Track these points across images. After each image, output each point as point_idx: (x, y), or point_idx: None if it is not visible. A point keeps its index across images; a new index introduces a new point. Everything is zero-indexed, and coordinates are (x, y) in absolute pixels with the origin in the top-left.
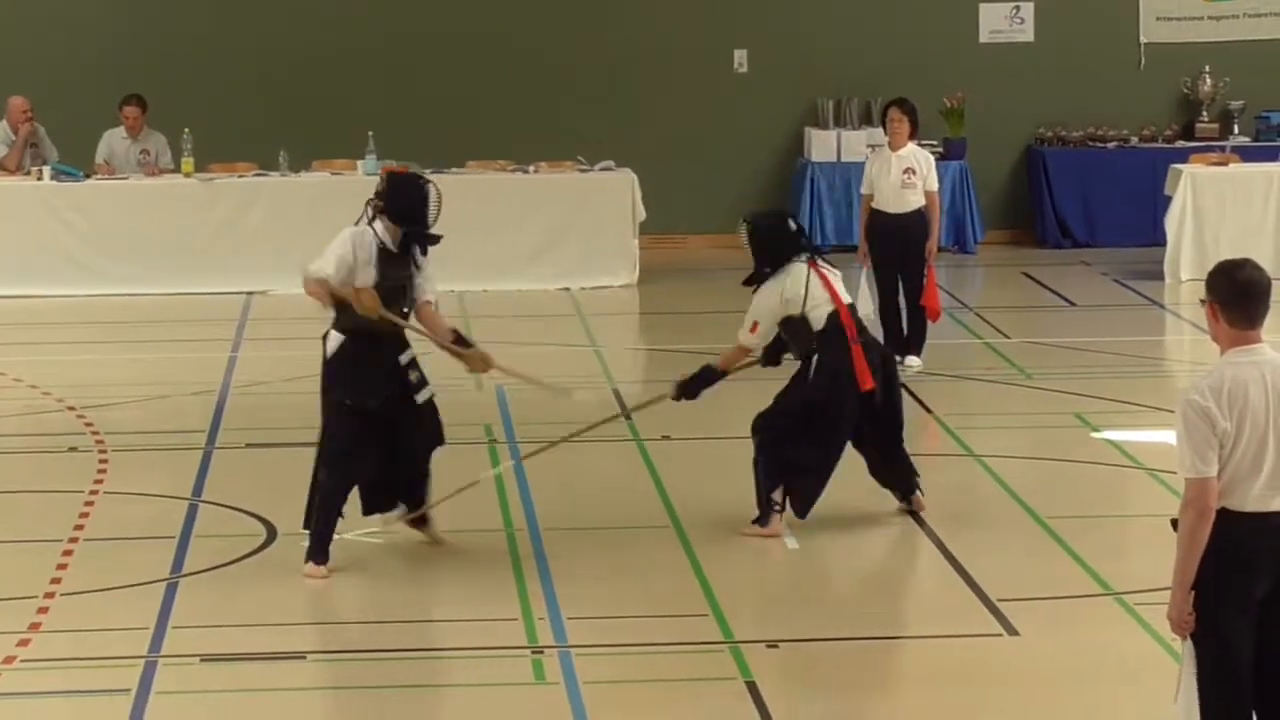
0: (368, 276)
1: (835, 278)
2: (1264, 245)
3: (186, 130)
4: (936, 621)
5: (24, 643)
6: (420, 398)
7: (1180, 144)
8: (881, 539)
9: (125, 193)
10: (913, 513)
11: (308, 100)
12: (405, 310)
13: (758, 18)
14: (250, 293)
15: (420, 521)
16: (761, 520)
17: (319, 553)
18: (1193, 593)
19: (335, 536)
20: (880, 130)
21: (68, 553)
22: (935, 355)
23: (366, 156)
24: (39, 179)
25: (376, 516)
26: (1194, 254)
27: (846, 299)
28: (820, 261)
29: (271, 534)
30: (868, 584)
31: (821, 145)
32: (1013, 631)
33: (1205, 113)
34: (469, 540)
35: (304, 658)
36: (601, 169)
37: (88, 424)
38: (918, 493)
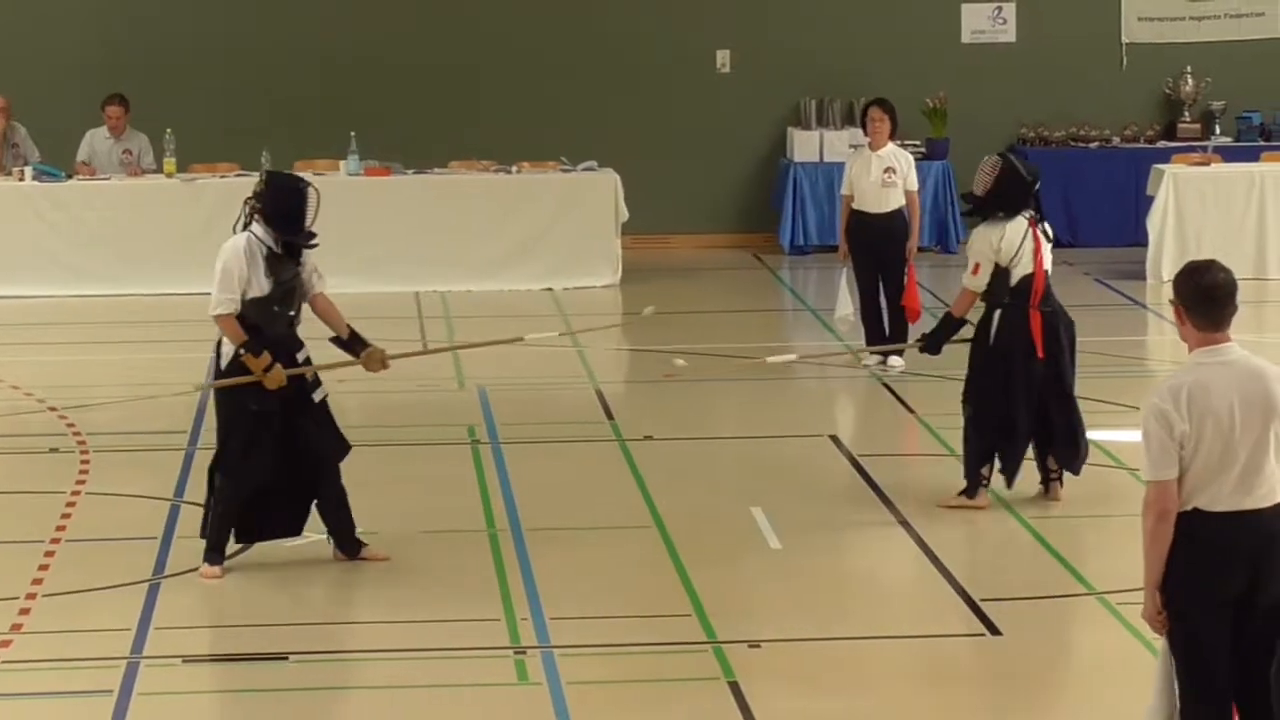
0: (261, 285)
1: (1047, 246)
2: (1245, 245)
3: (169, 131)
4: (919, 621)
5: (5, 644)
6: (316, 396)
7: (1162, 144)
8: (864, 538)
9: (107, 193)
10: (900, 518)
11: (290, 101)
12: (293, 315)
13: (740, 18)
14: None
15: (353, 547)
16: (969, 491)
17: (216, 555)
18: (1165, 592)
19: (320, 537)
20: (862, 130)
21: (49, 554)
22: (916, 356)
23: (349, 157)
24: (20, 179)
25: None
26: (1176, 254)
27: (1048, 267)
28: (1041, 225)
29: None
30: (850, 584)
31: (804, 145)
32: (995, 631)
33: (1187, 113)
34: (451, 540)
35: (286, 659)
36: (584, 169)
37: (69, 425)
38: (1055, 484)
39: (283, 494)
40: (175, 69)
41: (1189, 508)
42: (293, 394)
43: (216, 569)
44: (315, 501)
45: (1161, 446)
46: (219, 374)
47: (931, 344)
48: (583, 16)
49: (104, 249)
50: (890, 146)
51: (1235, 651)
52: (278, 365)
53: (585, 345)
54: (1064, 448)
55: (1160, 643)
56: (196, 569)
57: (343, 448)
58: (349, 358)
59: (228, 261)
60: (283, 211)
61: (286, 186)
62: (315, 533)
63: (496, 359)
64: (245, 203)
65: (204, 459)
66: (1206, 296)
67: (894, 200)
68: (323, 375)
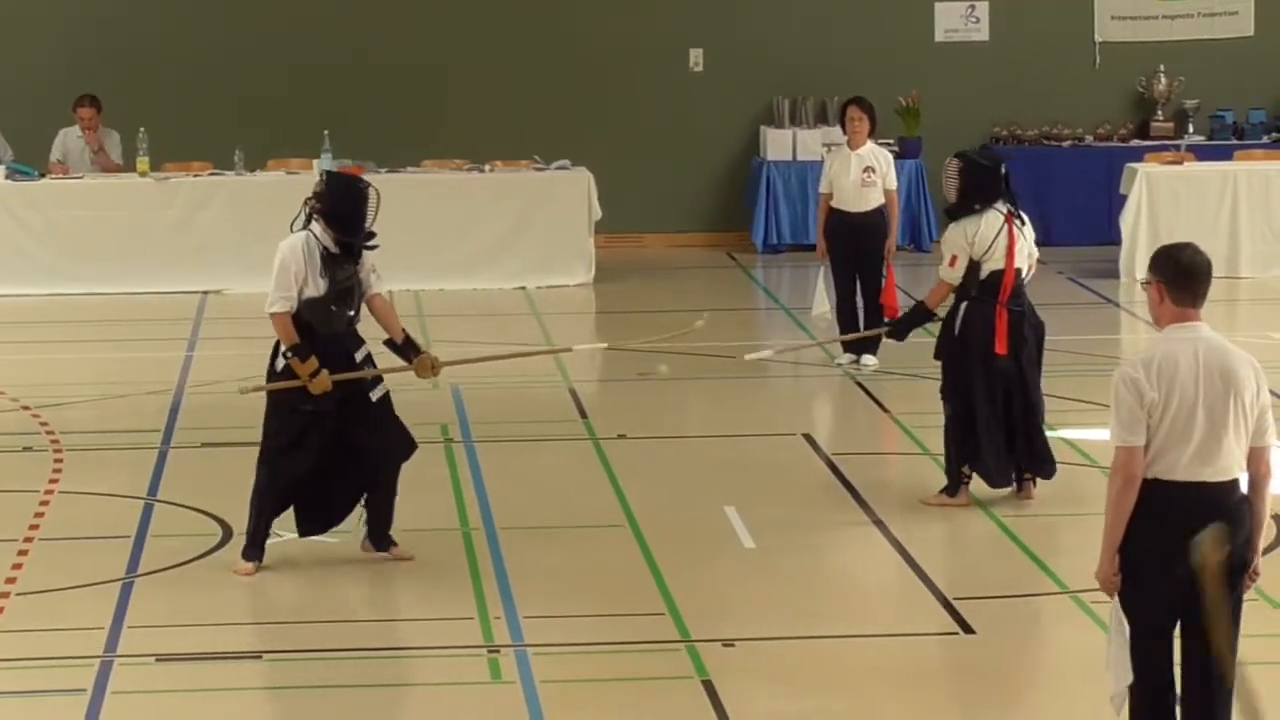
0: (317, 285)
1: (1022, 244)
2: (1218, 244)
3: (142, 130)
4: (893, 620)
5: None
6: (374, 395)
7: (1135, 143)
8: (837, 537)
9: (80, 192)
10: (874, 517)
11: (263, 99)
12: (352, 314)
13: (714, 17)
14: (206, 292)
15: (385, 543)
16: (950, 489)
17: (253, 551)
18: (1123, 555)
19: (293, 535)
20: (835, 129)
21: (23, 553)
22: (891, 354)
23: (322, 155)
24: None
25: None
26: (1149, 252)
27: (1019, 265)
28: (1017, 218)
29: (227, 533)
30: (824, 582)
31: (777, 144)
32: (969, 630)
33: (1160, 112)
34: (425, 539)
35: (260, 657)
36: (557, 168)
37: (43, 423)
38: (1028, 483)
39: (324, 492)
40: (148, 68)
41: (1149, 476)
42: (349, 394)
43: (249, 565)
44: (365, 496)
45: (1131, 413)
46: (272, 374)
47: (899, 330)
48: (556, 15)
49: (77, 248)
50: (869, 145)
51: (1187, 622)
52: (324, 371)
53: (559, 345)
54: (1026, 451)
55: (1111, 611)
56: (168, 568)
57: (407, 447)
58: (401, 362)
59: (285, 259)
60: (342, 212)
61: (346, 187)
62: (286, 530)
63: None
64: (305, 203)
65: (179, 457)
66: (1186, 273)
67: (873, 199)
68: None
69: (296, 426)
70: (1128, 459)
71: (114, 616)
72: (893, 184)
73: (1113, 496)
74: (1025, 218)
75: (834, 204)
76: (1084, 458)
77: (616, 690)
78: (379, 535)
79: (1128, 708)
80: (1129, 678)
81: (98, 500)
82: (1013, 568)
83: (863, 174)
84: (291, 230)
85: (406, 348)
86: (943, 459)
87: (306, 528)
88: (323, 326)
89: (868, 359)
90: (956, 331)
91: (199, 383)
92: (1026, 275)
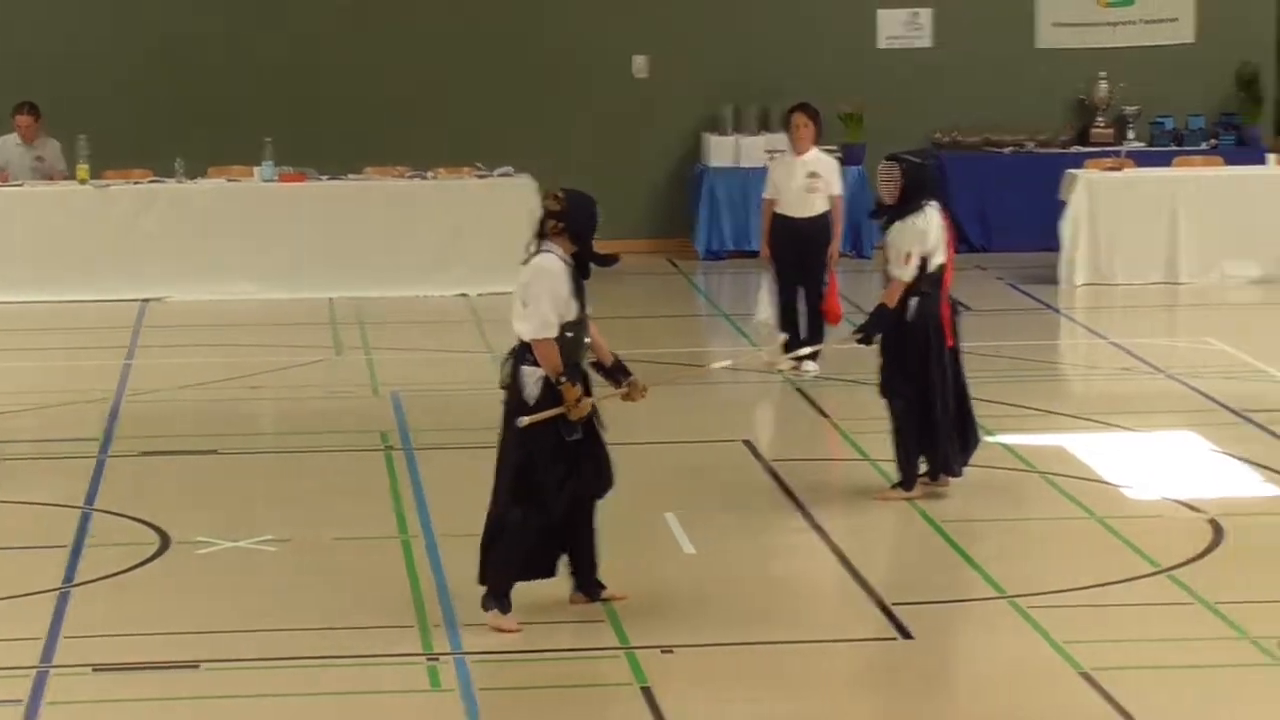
0: (571, 308)
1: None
2: (1158, 250)
3: (82, 137)
4: (832, 625)
5: None
6: (604, 431)
7: (1076, 149)
8: (777, 543)
9: (20, 199)
10: (814, 523)
11: (205, 107)
12: (587, 339)
13: (657, 24)
14: (146, 300)
15: (596, 589)
16: (905, 484)
17: (506, 602)
18: None
19: (232, 544)
20: (778, 135)
21: None
22: (831, 360)
23: (264, 163)
24: None
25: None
26: (1088, 258)
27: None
28: (950, 215)
29: (165, 542)
30: (763, 588)
31: (720, 151)
32: (907, 635)
33: (1100, 118)
34: (364, 547)
35: (198, 667)
36: (500, 174)
37: None
38: (944, 476)
39: (553, 530)
40: (88, 75)
41: None
42: (588, 423)
43: (513, 620)
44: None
45: None
46: (520, 404)
47: (868, 333)
48: (500, 22)
49: (16, 255)
50: (814, 152)
51: None
52: (586, 397)
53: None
54: (956, 442)
55: None
56: (106, 577)
57: (612, 481)
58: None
59: (552, 283)
60: (586, 228)
61: (587, 202)
62: (220, 539)
63: (410, 366)
64: (542, 221)
65: (117, 465)
66: None
67: (818, 205)
68: (232, 381)
69: (565, 458)
70: None
71: (50, 626)
72: (838, 190)
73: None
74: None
75: (778, 210)
76: (1022, 463)
77: (556, 697)
78: (591, 582)
79: None
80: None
81: (35, 509)
82: (951, 572)
83: (807, 180)
84: (529, 252)
85: (616, 371)
86: (880, 465)
87: (542, 572)
88: (571, 353)
89: (809, 365)
90: (909, 326)
91: (138, 391)
92: None
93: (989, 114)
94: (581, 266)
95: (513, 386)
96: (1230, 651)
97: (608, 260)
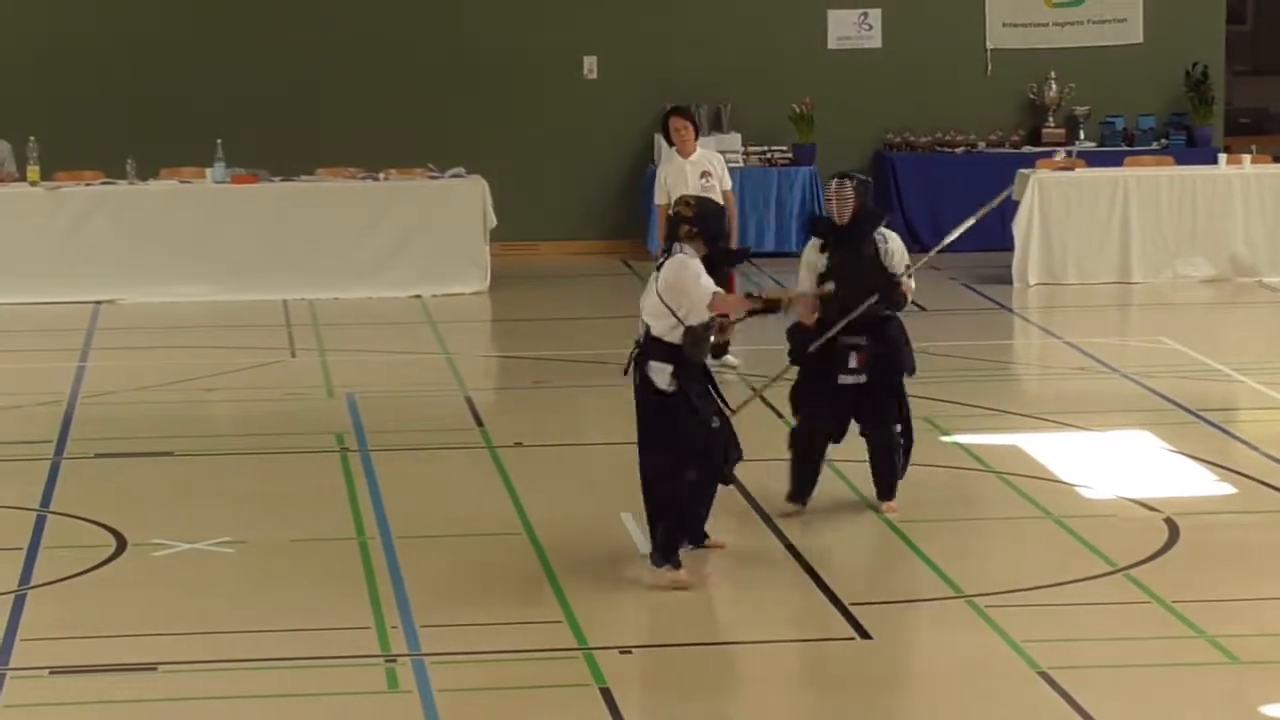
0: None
1: None
2: (1110, 249)
3: (32, 139)
4: (789, 625)
5: None
6: (731, 415)
7: (1027, 149)
8: (733, 542)
9: None
10: (772, 523)
11: (155, 108)
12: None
13: (608, 24)
14: (98, 302)
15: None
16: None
17: (678, 557)
18: None
19: (189, 546)
20: (729, 136)
21: None
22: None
23: (215, 164)
24: None
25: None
26: (1041, 258)
27: None
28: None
29: (121, 544)
30: (720, 588)
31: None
32: (865, 635)
33: (1051, 118)
34: (320, 549)
35: (155, 669)
36: (452, 175)
37: None
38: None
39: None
40: (38, 76)
41: None
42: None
43: (684, 572)
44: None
45: None
46: (662, 398)
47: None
48: (450, 22)
49: None
50: (700, 150)
51: None
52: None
53: (454, 353)
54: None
55: None
56: (61, 579)
57: (741, 454)
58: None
59: (696, 268)
60: (720, 231)
61: (715, 208)
62: (178, 540)
63: (365, 367)
64: (675, 226)
65: (72, 468)
66: None
67: None
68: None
69: (706, 436)
70: None
71: (6, 629)
72: (728, 185)
73: None
74: None
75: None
76: (978, 462)
77: (514, 699)
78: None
79: None
80: None
81: None
82: (908, 572)
83: (700, 180)
84: (661, 255)
85: (767, 304)
86: (835, 465)
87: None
88: (698, 354)
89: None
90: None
91: (92, 393)
92: None
93: (940, 114)
94: (712, 267)
95: (644, 385)
96: (1188, 650)
97: (738, 256)
